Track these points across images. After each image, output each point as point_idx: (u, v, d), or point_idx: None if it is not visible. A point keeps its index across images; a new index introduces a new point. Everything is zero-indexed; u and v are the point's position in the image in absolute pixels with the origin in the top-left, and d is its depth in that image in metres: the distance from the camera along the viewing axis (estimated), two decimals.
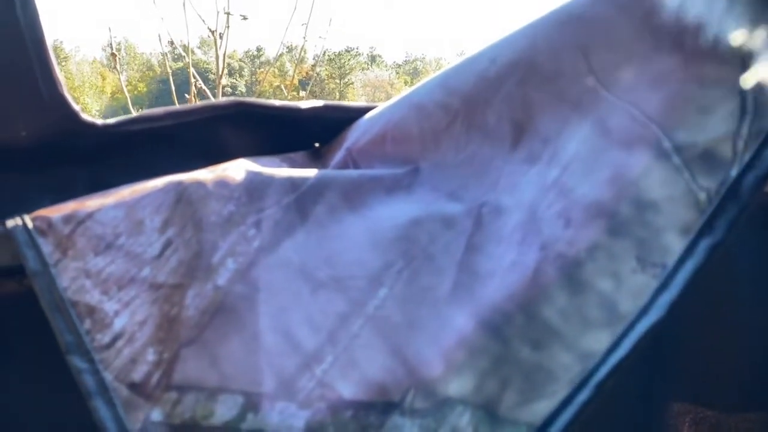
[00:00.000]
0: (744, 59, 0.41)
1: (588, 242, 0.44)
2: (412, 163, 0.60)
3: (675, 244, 0.41)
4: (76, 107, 0.59)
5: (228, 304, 0.49)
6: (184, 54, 2.77)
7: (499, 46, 0.54)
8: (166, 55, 2.60)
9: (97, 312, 0.47)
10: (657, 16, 0.45)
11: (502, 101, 0.53)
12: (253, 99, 0.68)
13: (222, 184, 0.55)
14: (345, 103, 0.71)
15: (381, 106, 0.66)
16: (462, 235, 0.51)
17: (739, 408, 0.63)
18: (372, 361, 0.46)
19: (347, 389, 0.45)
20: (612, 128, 0.46)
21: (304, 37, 2.47)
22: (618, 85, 0.47)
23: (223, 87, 2.64)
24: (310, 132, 0.71)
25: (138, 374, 0.45)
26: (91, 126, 0.60)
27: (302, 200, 0.56)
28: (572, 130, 0.49)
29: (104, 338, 0.46)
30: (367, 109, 0.68)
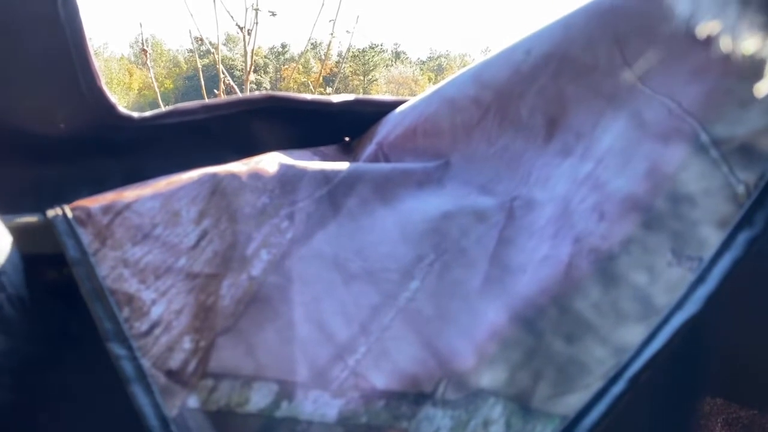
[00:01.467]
0: None
1: (622, 236, 0.44)
2: (443, 156, 0.60)
3: (712, 238, 0.41)
4: (114, 100, 0.60)
5: (262, 294, 0.49)
6: (212, 50, 2.80)
7: (533, 39, 0.54)
8: (196, 51, 2.63)
9: (135, 300, 0.48)
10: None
11: (535, 94, 0.53)
12: (284, 93, 0.69)
13: (256, 176, 0.56)
14: (375, 97, 0.71)
15: (412, 101, 0.66)
16: (494, 228, 0.51)
17: None
18: (404, 352, 0.46)
19: (380, 379, 0.45)
20: (648, 121, 0.46)
21: (332, 34, 2.47)
22: (654, 78, 0.47)
23: (250, 83, 2.67)
24: (341, 126, 0.71)
25: (175, 362, 0.46)
26: (128, 119, 0.62)
27: (334, 193, 0.57)
28: (607, 124, 0.49)
29: (142, 326, 0.47)
30: (397, 103, 0.69)
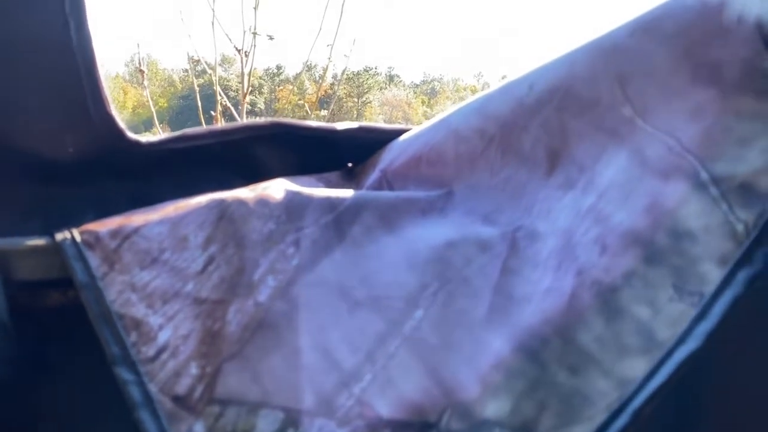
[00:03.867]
0: None
1: (624, 269, 0.45)
2: (447, 186, 0.61)
3: (712, 274, 0.42)
4: (122, 125, 0.61)
5: (269, 320, 0.50)
6: (209, 71, 2.82)
7: (537, 73, 0.56)
8: (192, 71, 2.65)
9: (143, 325, 0.48)
10: (696, 48, 0.46)
11: (538, 127, 0.54)
12: (290, 120, 0.70)
13: (263, 202, 0.57)
14: (379, 125, 0.72)
15: (416, 129, 0.67)
16: (497, 258, 0.52)
17: None
18: (409, 381, 0.47)
19: (385, 408, 0.46)
20: (649, 158, 0.47)
21: (330, 59, 2.50)
22: (655, 115, 0.48)
23: (246, 105, 2.68)
24: (345, 152, 0.72)
25: (182, 387, 0.46)
26: (136, 144, 0.62)
27: (340, 220, 0.57)
28: (608, 158, 0.50)
29: (149, 351, 0.47)
30: (401, 132, 0.70)
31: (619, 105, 0.50)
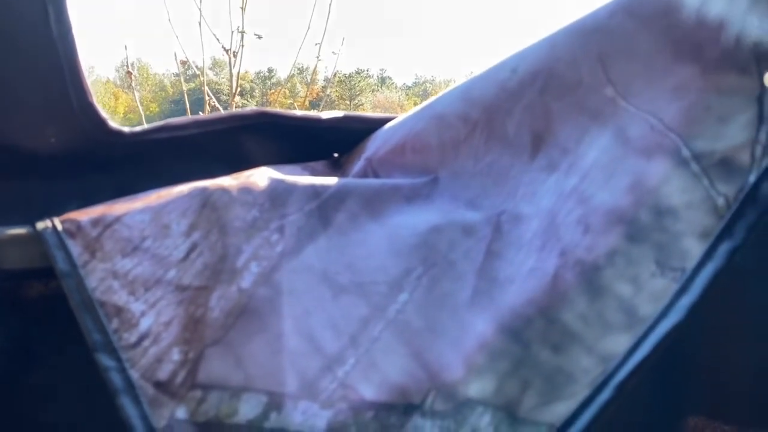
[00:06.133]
0: (762, 62, 0.42)
1: (607, 248, 0.45)
2: (432, 172, 0.61)
3: (694, 249, 0.42)
4: (105, 115, 0.61)
5: (252, 306, 0.50)
6: (198, 73, 2.81)
7: (520, 57, 0.56)
8: (181, 75, 2.64)
9: (124, 312, 0.48)
10: (677, 27, 0.46)
11: (522, 111, 0.54)
12: (275, 109, 0.70)
13: (246, 190, 0.57)
14: (364, 114, 0.72)
15: (400, 117, 0.67)
16: (481, 242, 0.52)
17: (755, 423, 0.63)
18: (393, 363, 0.47)
19: (368, 391, 0.45)
20: (631, 137, 0.47)
21: (318, 57, 2.50)
22: (636, 95, 0.48)
23: (235, 106, 2.68)
24: (330, 142, 0.72)
25: (163, 373, 0.46)
26: (119, 134, 0.62)
27: (324, 207, 0.57)
28: (591, 139, 0.50)
29: (131, 337, 0.47)
30: (386, 120, 0.70)
31: (601, 86, 0.50)
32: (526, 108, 0.54)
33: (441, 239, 0.53)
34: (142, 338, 0.47)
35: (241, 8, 2.42)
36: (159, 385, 0.45)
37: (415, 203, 0.58)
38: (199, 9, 2.28)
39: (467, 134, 0.58)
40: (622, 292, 0.43)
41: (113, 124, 0.62)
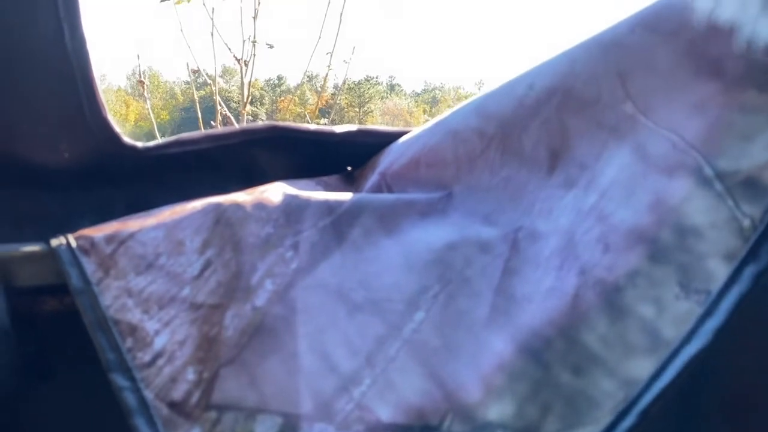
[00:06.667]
0: None
1: (628, 268, 0.44)
2: (446, 187, 0.60)
3: (719, 271, 0.41)
4: (118, 130, 0.61)
5: (266, 324, 0.49)
6: (209, 82, 2.82)
7: (536, 72, 0.55)
8: (192, 82, 2.65)
9: (139, 330, 0.47)
10: (696, 42, 0.45)
11: (539, 127, 0.54)
12: (287, 123, 0.69)
13: (260, 206, 0.56)
14: (378, 127, 0.72)
15: (414, 131, 0.67)
16: (498, 259, 0.51)
17: None
18: (409, 384, 0.46)
19: (385, 412, 0.45)
20: (651, 155, 0.46)
21: (329, 66, 2.50)
22: (657, 111, 0.47)
23: (246, 115, 2.68)
24: (343, 155, 0.72)
25: (178, 393, 0.45)
26: (132, 148, 0.62)
27: (338, 223, 0.57)
28: (610, 156, 0.49)
29: (145, 357, 0.46)
30: (399, 134, 0.69)
31: (620, 102, 0.49)
32: (543, 124, 0.54)
33: (457, 256, 0.52)
34: (156, 357, 0.47)
35: (253, 18, 2.43)
36: (173, 406, 0.45)
37: (430, 218, 0.58)
38: (211, 19, 2.29)
39: (483, 149, 0.58)
40: (644, 313, 0.42)
41: (127, 138, 0.61)
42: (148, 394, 0.45)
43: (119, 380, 0.45)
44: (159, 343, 0.47)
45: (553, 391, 0.42)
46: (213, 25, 2.46)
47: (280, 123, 0.69)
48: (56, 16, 0.55)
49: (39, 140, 0.59)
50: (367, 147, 0.70)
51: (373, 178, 0.66)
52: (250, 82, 2.69)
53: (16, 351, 0.53)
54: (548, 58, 0.55)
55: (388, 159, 0.66)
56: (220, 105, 2.59)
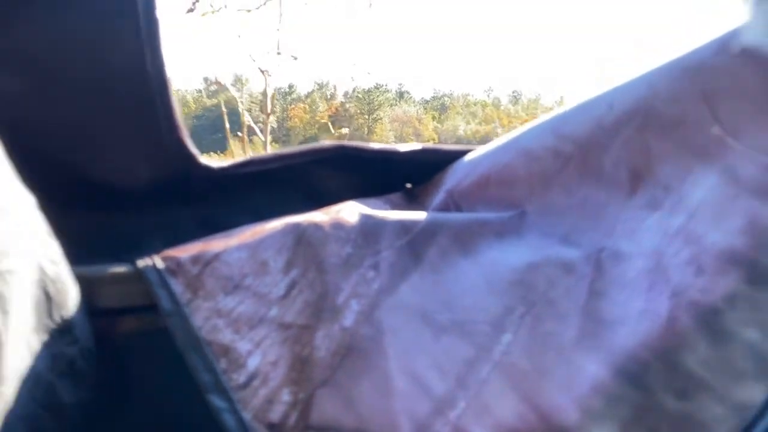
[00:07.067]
0: None
1: (725, 291, 0.44)
2: (517, 206, 0.61)
3: None
4: (195, 150, 0.61)
5: (356, 345, 0.49)
6: (227, 89, 2.85)
7: (616, 93, 0.55)
8: (220, 93, 2.68)
9: (231, 351, 0.48)
10: None
11: (619, 147, 0.54)
12: (353, 142, 0.70)
13: (338, 226, 0.57)
14: (442, 146, 0.72)
15: (481, 149, 0.67)
16: (583, 280, 0.51)
17: None
18: (503, 406, 0.46)
19: None
20: (742, 177, 0.46)
21: (352, 78, 2.52)
22: (747, 134, 0.47)
23: (269, 125, 2.70)
24: (407, 174, 0.72)
25: (275, 414, 0.46)
26: (206, 169, 0.62)
27: (415, 243, 0.57)
28: (696, 178, 0.49)
29: (240, 378, 0.47)
30: (464, 152, 0.70)
31: (706, 124, 0.49)
32: (624, 144, 0.54)
33: (539, 277, 0.52)
34: (251, 379, 0.47)
35: (277, 29, 2.46)
36: (272, 427, 0.45)
37: (505, 239, 0.58)
38: (238, 35, 2.32)
39: (559, 169, 0.58)
40: (749, 338, 0.42)
41: (202, 159, 0.62)
42: (246, 416, 0.45)
43: (217, 401, 0.46)
44: (252, 364, 0.48)
45: (658, 415, 0.42)
46: (238, 36, 2.49)
47: (347, 142, 0.70)
48: (138, 39, 0.56)
49: (117, 161, 0.60)
50: (430, 165, 0.71)
51: (439, 196, 0.67)
52: (274, 93, 2.71)
53: (98, 371, 0.54)
54: (626, 80, 0.56)
55: (455, 177, 0.67)
56: (243, 113, 2.62)
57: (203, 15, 2.32)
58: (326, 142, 0.71)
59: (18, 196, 0.41)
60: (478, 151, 0.68)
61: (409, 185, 0.74)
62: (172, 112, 0.59)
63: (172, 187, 0.63)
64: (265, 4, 2.32)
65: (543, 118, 0.63)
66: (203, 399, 0.47)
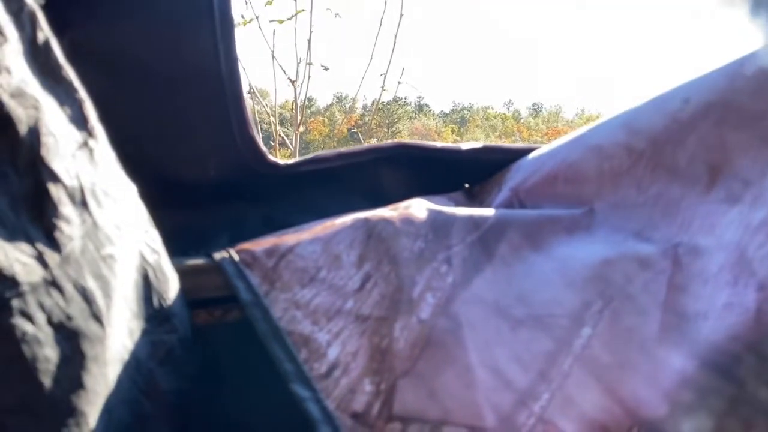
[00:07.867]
0: None
1: None
2: (586, 203, 0.60)
3: None
4: (264, 148, 0.62)
5: (435, 337, 0.49)
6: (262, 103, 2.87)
7: (691, 87, 0.55)
8: (254, 105, 2.71)
9: (311, 342, 0.48)
10: None
11: (695, 142, 0.54)
12: (414, 141, 0.71)
13: (408, 221, 0.57)
14: (503, 144, 0.72)
15: (545, 148, 0.67)
16: (661, 275, 0.51)
17: None
18: (587, 399, 0.46)
19: (569, 427, 0.45)
20: None
21: (383, 87, 2.53)
22: None
23: (279, 136, 2.72)
24: (468, 172, 0.72)
25: (358, 404, 0.46)
26: (275, 166, 0.63)
27: (486, 239, 0.57)
28: None
29: (321, 368, 0.47)
30: (526, 151, 0.70)
31: None
32: (701, 139, 0.53)
33: (615, 272, 0.52)
34: (332, 368, 0.47)
35: (308, 40, 2.48)
36: (356, 417, 0.45)
37: (575, 235, 0.58)
38: (272, 47, 2.34)
39: (631, 165, 0.58)
40: None
41: (271, 156, 0.63)
42: (330, 405, 0.46)
43: (300, 391, 0.46)
44: (332, 354, 0.48)
45: (753, 406, 0.42)
46: (273, 48, 2.51)
47: (408, 141, 0.70)
48: (214, 37, 0.57)
49: (189, 158, 0.61)
50: (491, 164, 0.71)
51: (502, 194, 0.67)
52: (303, 104, 2.73)
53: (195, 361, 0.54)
54: (701, 75, 0.56)
55: (520, 175, 0.67)
56: (275, 125, 2.64)
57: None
58: (387, 141, 0.71)
59: (123, 184, 0.41)
60: (542, 150, 0.68)
61: (467, 185, 0.74)
62: (243, 110, 0.60)
63: (240, 184, 0.63)
64: (296, 15, 2.33)
65: (611, 114, 0.63)
66: (277, 390, 0.47)
